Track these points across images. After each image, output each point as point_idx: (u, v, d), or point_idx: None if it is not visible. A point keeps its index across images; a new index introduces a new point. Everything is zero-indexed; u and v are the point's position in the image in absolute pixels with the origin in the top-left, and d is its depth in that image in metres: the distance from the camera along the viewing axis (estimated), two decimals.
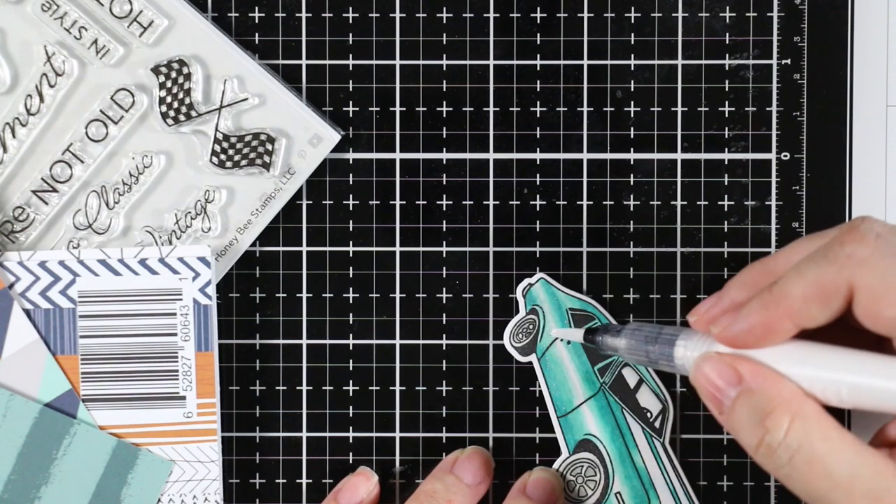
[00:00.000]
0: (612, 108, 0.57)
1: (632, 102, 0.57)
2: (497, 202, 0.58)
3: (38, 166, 0.56)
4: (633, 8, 0.57)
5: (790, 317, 0.44)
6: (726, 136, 0.57)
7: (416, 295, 0.58)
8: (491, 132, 0.57)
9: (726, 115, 0.57)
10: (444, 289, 0.58)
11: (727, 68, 0.57)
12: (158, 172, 0.56)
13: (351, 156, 0.58)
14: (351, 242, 0.58)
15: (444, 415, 0.58)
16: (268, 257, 0.58)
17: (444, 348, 0.58)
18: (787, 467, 0.43)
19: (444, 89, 0.58)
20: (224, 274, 0.57)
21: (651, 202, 0.57)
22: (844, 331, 0.45)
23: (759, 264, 0.48)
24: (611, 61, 0.57)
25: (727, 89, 0.57)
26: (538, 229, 0.58)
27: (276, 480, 0.58)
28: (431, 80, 0.58)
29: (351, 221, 0.58)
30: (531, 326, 0.57)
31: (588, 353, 0.57)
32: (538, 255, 0.58)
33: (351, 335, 0.58)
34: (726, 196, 0.57)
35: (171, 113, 0.56)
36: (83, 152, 0.56)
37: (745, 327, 0.45)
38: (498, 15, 0.57)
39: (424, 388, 0.58)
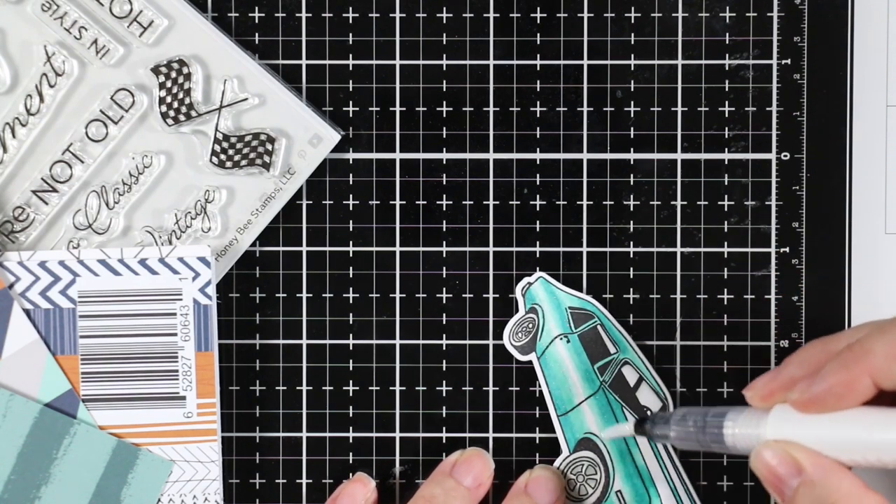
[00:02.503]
0: (612, 108, 0.57)
1: (632, 102, 0.57)
2: (497, 202, 0.58)
3: (38, 166, 0.56)
4: (633, 8, 0.57)
5: (870, 373, 0.44)
6: (726, 136, 0.57)
7: (416, 295, 0.58)
8: (491, 132, 0.57)
9: (726, 115, 0.57)
10: (444, 289, 0.58)
11: (727, 68, 0.57)
12: (158, 172, 0.56)
13: (351, 156, 0.58)
14: (351, 242, 0.58)
15: (444, 415, 0.58)
16: (268, 257, 0.58)
17: (444, 348, 0.58)
18: None
19: (444, 89, 0.58)
20: (224, 274, 0.57)
21: (651, 202, 0.57)
22: None
23: (818, 343, 0.48)
24: (611, 61, 0.57)
25: (727, 89, 0.57)
26: (538, 229, 0.58)
27: (276, 480, 0.58)
28: (431, 80, 0.58)
29: (351, 221, 0.58)
30: (530, 325, 0.57)
31: (587, 351, 0.57)
32: (538, 255, 0.58)
33: (351, 335, 0.58)
34: (726, 196, 0.57)
35: (171, 113, 0.56)
36: (83, 152, 0.56)
37: (824, 387, 0.45)
38: (498, 15, 0.57)
39: (424, 388, 0.58)
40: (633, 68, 0.57)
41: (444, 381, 0.58)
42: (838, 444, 0.45)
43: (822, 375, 0.45)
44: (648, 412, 0.56)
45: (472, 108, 0.57)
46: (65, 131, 0.56)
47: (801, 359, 0.48)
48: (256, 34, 0.57)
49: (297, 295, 0.58)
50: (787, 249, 0.57)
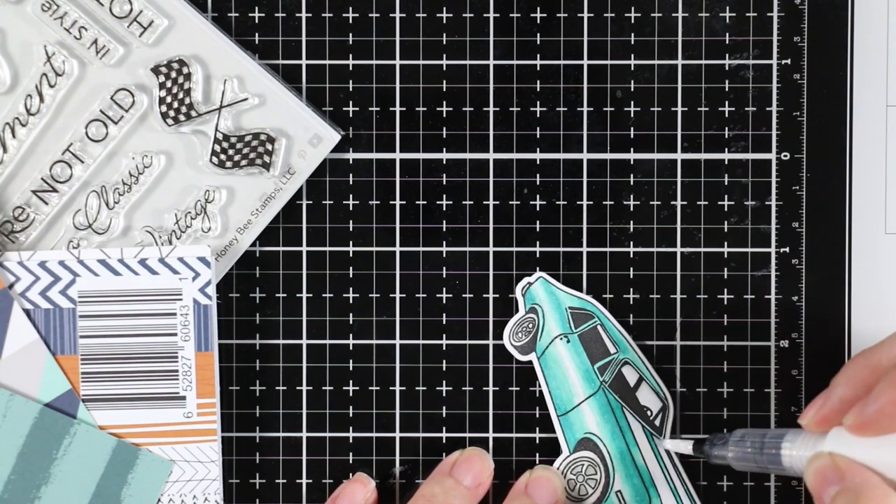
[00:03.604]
0: (612, 108, 0.57)
1: (632, 102, 0.57)
2: (497, 202, 0.58)
3: (38, 166, 0.56)
4: (633, 8, 0.57)
5: None
6: (726, 136, 0.57)
7: (416, 295, 0.58)
8: (491, 132, 0.57)
9: (726, 115, 0.57)
10: (444, 289, 0.58)
11: (727, 68, 0.57)
12: (158, 172, 0.56)
13: (351, 156, 0.58)
14: (351, 242, 0.58)
15: (444, 415, 0.58)
16: (268, 257, 0.58)
17: (444, 348, 0.58)
18: None
19: (444, 89, 0.58)
20: (224, 274, 0.57)
21: (651, 202, 0.57)
22: None
23: (861, 359, 0.48)
24: (611, 61, 0.57)
25: (727, 89, 0.57)
26: (538, 229, 0.58)
27: (276, 480, 0.58)
28: (431, 80, 0.58)
29: (351, 221, 0.58)
30: (531, 325, 0.57)
31: (588, 351, 0.57)
32: (538, 255, 0.58)
33: (351, 335, 0.58)
34: (726, 196, 0.57)
35: (171, 113, 0.56)
36: (83, 152, 0.56)
37: (876, 408, 0.45)
38: (498, 15, 0.57)
39: (424, 388, 0.58)
40: (633, 68, 0.57)
41: (444, 381, 0.58)
42: (893, 465, 0.45)
43: (872, 397, 0.45)
44: (705, 438, 0.56)
45: (472, 108, 0.57)
46: (65, 131, 0.56)
47: (846, 377, 0.48)
48: (256, 34, 0.57)
49: (297, 295, 0.58)
50: (787, 249, 0.57)
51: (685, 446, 0.54)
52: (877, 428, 0.45)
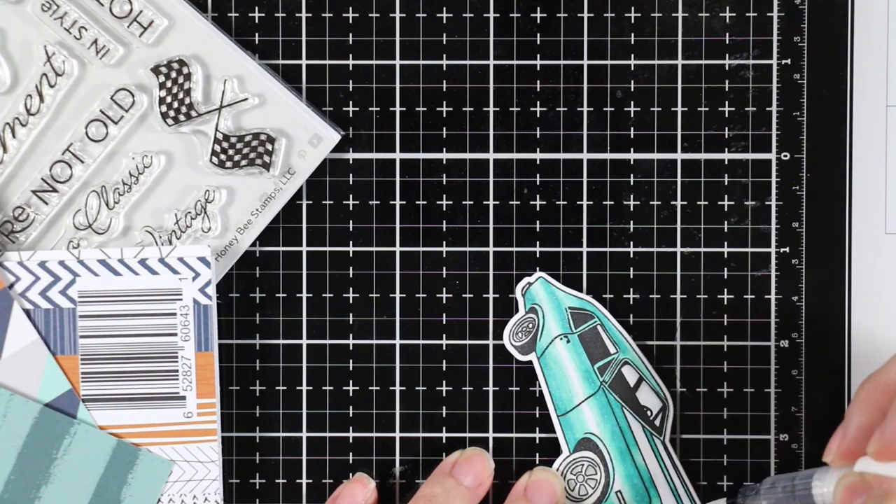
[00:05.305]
0: (612, 108, 0.57)
1: (632, 102, 0.57)
2: (497, 202, 0.58)
3: (38, 166, 0.56)
4: (633, 8, 0.57)
5: None
6: (726, 136, 0.57)
7: (416, 295, 0.58)
8: (491, 132, 0.58)
9: (726, 115, 0.57)
10: (444, 289, 0.58)
11: (727, 68, 0.57)
12: (158, 172, 0.56)
13: (351, 156, 0.58)
14: (351, 242, 0.58)
15: (444, 415, 0.58)
16: (268, 257, 0.58)
17: (444, 348, 0.58)
18: None
19: (444, 89, 0.58)
20: (224, 274, 0.57)
21: (651, 202, 0.57)
22: None
23: (869, 384, 0.48)
24: (611, 61, 0.57)
25: (727, 89, 0.57)
26: (538, 229, 0.58)
27: (276, 480, 0.58)
28: (431, 80, 0.58)
29: (351, 221, 0.58)
30: (530, 325, 0.57)
31: (588, 351, 0.57)
32: (538, 255, 0.58)
33: (351, 335, 0.58)
34: (726, 196, 0.57)
35: (171, 113, 0.56)
36: (83, 152, 0.56)
37: (893, 429, 0.45)
38: (498, 15, 0.57)
39: (424, 388, 0.58)
40: (633, 68, 0.57)
41: (444, 381, 0.58)
42: None
43: (889, 419, 0.45)
44: (736, 489, 0.56)
45: (472, 108, 0.57)
46: (65, 131, 0.56)
47: (859, 405, 0.48)
48: (256, 34, 0.57)
49: (297, 295, 0.58)
50: (787, 249, 0.57)
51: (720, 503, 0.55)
52: None
